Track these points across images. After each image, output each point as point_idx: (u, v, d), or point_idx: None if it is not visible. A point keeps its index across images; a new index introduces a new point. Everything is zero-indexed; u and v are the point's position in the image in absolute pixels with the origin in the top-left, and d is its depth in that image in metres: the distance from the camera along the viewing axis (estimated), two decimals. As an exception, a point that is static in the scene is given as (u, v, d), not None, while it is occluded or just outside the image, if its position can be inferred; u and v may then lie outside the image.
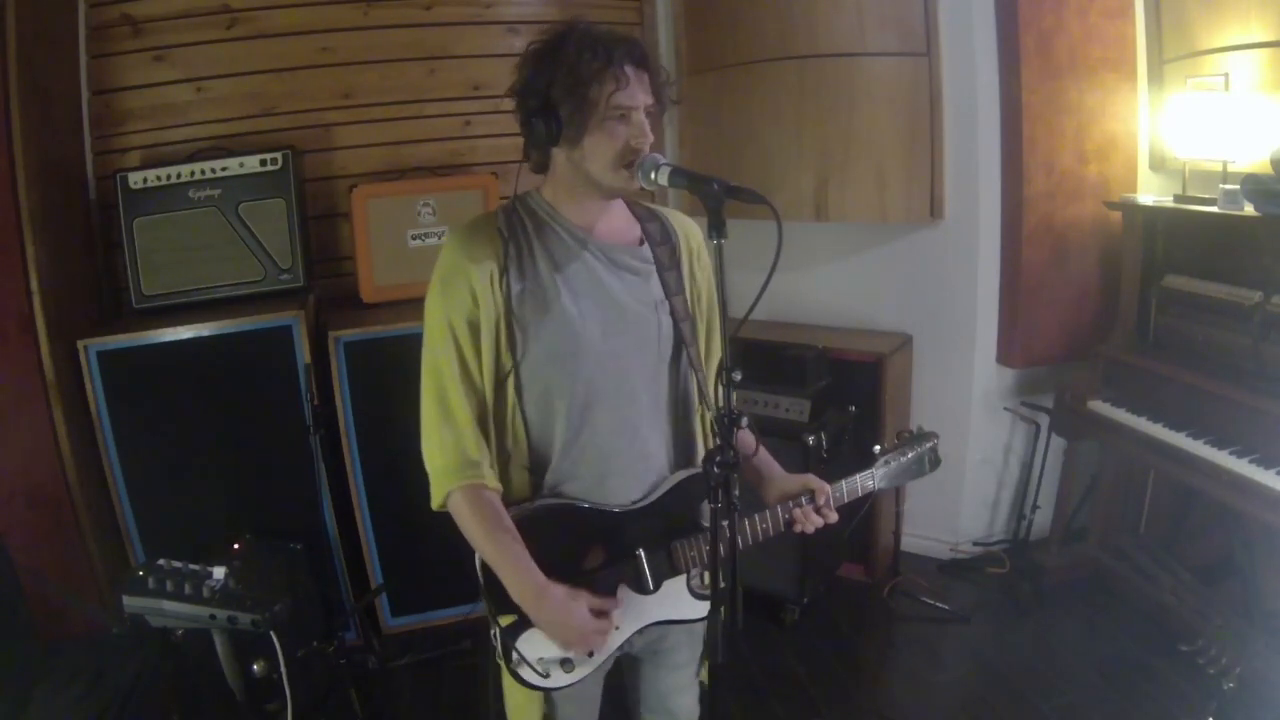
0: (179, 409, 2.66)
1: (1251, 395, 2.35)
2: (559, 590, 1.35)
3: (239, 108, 3.05)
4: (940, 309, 3.26)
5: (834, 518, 1.50)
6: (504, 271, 1.35)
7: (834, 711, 2.58)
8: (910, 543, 3.35)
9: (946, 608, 3.02)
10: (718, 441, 1.52)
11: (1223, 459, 2.34)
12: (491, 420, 1.39)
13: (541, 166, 1.42)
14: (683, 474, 1.48)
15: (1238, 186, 2.40)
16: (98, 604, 2.50)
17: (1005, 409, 3.29)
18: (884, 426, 3.12)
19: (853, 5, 2.99)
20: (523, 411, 1.40)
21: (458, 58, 3.24)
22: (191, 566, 1.89)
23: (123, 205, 2.77)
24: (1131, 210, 2.89)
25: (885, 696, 2.69)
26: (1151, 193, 3.03)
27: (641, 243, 1.47)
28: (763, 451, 1.57)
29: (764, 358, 2.99)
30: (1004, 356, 3.22)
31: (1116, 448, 2.88)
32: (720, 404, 1.25)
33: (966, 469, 3.31)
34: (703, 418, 1.54)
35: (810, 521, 1.48)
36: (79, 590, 2.52)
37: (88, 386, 2.55)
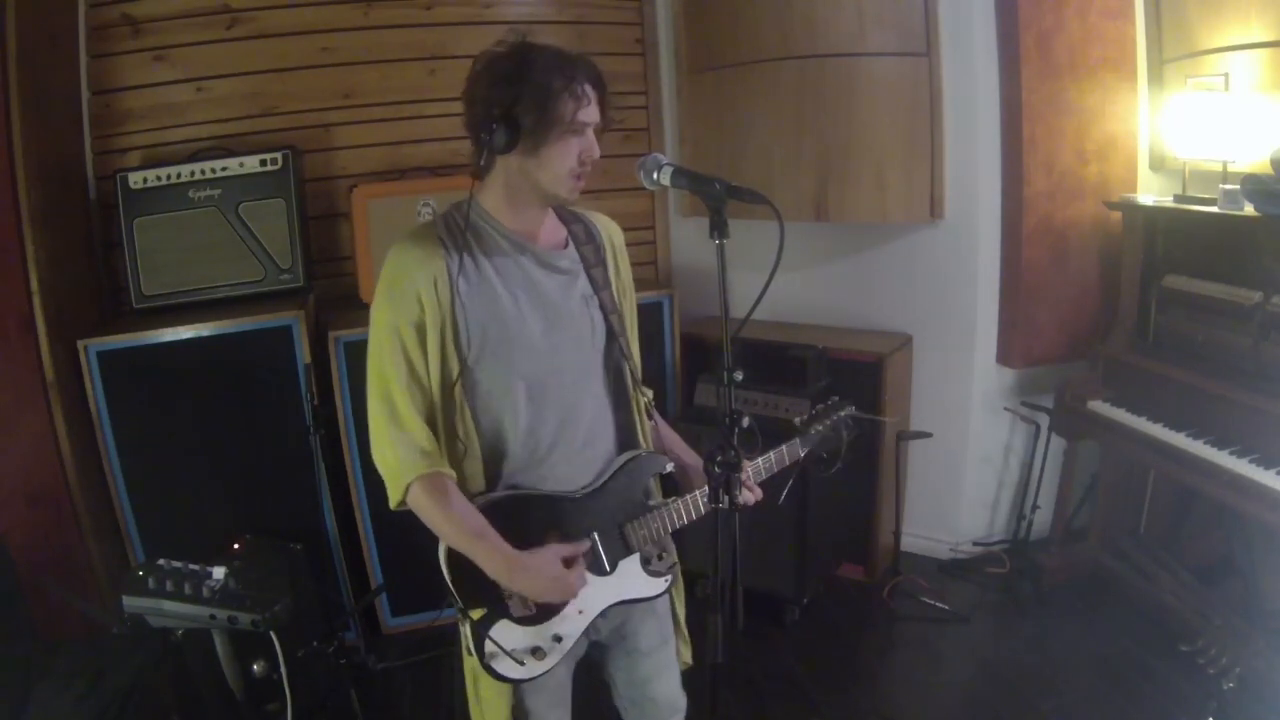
0: (179, 409, 2.66)
1: (1251, 395, 2.36)
2: (530, 554, 1.42)
3: (239, 108, 3.05)
4: (940, 309, 3.26)
5: (759, 494, 1.57)
6: (448, 277, 1.40)
7: (834, 711, 2.58)
8: (910, 543, 3.35)
9: (946, 608, 3.03)
10: (652, 422, 1.63)
11: (1223, 459, 2.34)
12: (442, 421, 1.44)
13: (483, 174, 1.47)
14: (626, 456, 1.56)
15: (1238, 186, 2.40)
16: (98, 604, 2.50)
17: (1005, 409, 3.29)
18: (884, 427, 3.12)
19: (853, 5, 2.99)
20: (472, 410, 1.46)
21: (458, 58, 3.23)
22: (191, 566, 1.89)
23: (123, 205, 2.77)
24: (1131, 210, 2.89)
25: (885, 696, 2.69)
26: (1151, 193, 3.03)
27: (567, 244, 1.55)
28: (674, 440, 1.69)
29: (764, 358, 2.99)
30: (1004, 356, 3.22)
31: (1116, 448, 2.88)
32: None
33: (966, 469, 3.31)
34: (637, 402, 1.61)
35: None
36: (79, 590, 2.51)
37: (88, 386, 2.55)
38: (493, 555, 1.40)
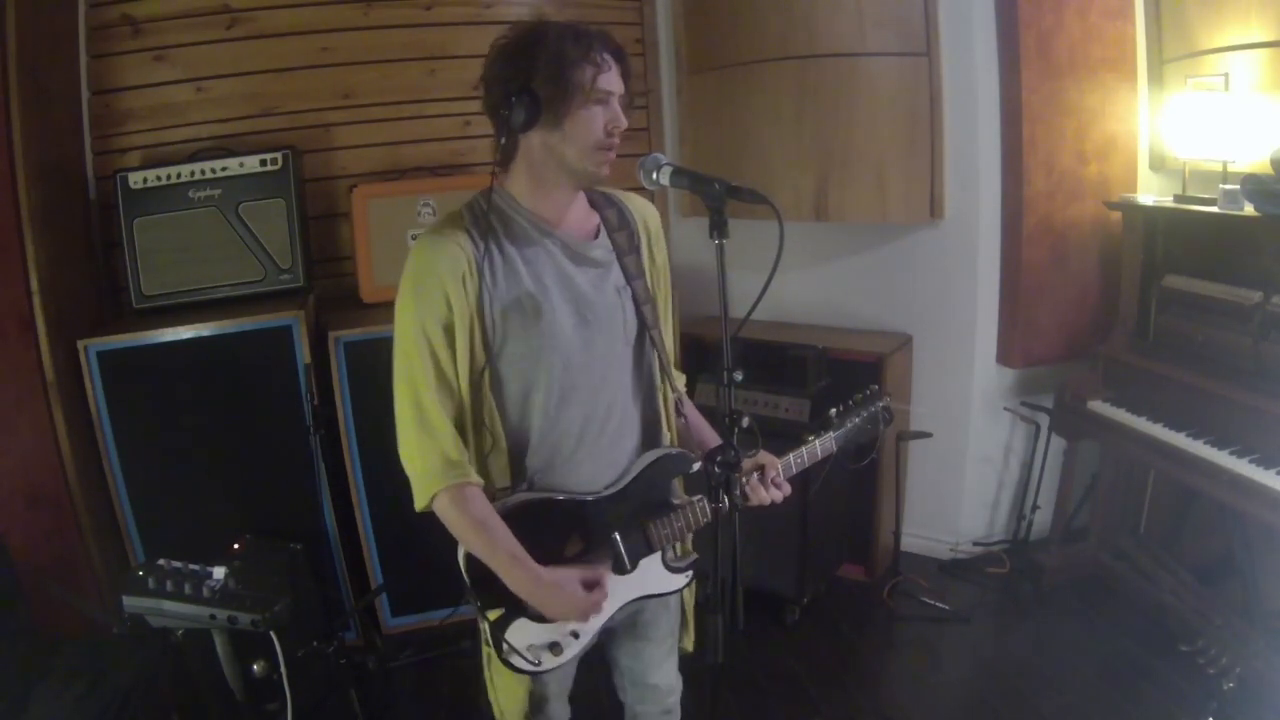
0: (179, 409, 2.66)
1: (1251, 395, 2.36)
2: (553, 575, 1.40)
3: (239, 108, 3.05)
4: (940, 309, 3.26)
5: (787, 490, 1.54)
6: (476, 272, 1.36)
7: (834, 711, 2.58)
8: (910, 543, 3.35)
9: (946, 608, 3.03)
10: (681, 418, 1.60)
11: (1223, 459, 2.34)
12: (470, 417, 1.41)
13: (507, 159, 1.42)
14: (651, 455, 1.53)
15: (1238, 186, 2.40)
16: (98, 604, 2.50)
17: (1005, 409, 3.29)
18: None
19: (853, 5, 2.99)
20: (499, 406, 1.43)
21: (458, 58, 3.24)
22: (191, 566, 1.88)
23: (123, 205, 2.77)
24: (1131, 210, 2.89)
25: (885, 696, 2.69)
26: (1151, 193, 3.03)
27: (599, 232, 1.50)
28: (708, 434, 1.63)
29: (764, 358, 2.99)
30: (1004, 356, 3.22)
31: (1116, 448, 2.88)
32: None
33: (966, 469, 3.31)
34: (665, 397, 1.58)
35: (761, 496, 1.52)
36: (79, 590, 2.51)
37: (88, 386, 2.55)
38: (516, 572, 1.38)
